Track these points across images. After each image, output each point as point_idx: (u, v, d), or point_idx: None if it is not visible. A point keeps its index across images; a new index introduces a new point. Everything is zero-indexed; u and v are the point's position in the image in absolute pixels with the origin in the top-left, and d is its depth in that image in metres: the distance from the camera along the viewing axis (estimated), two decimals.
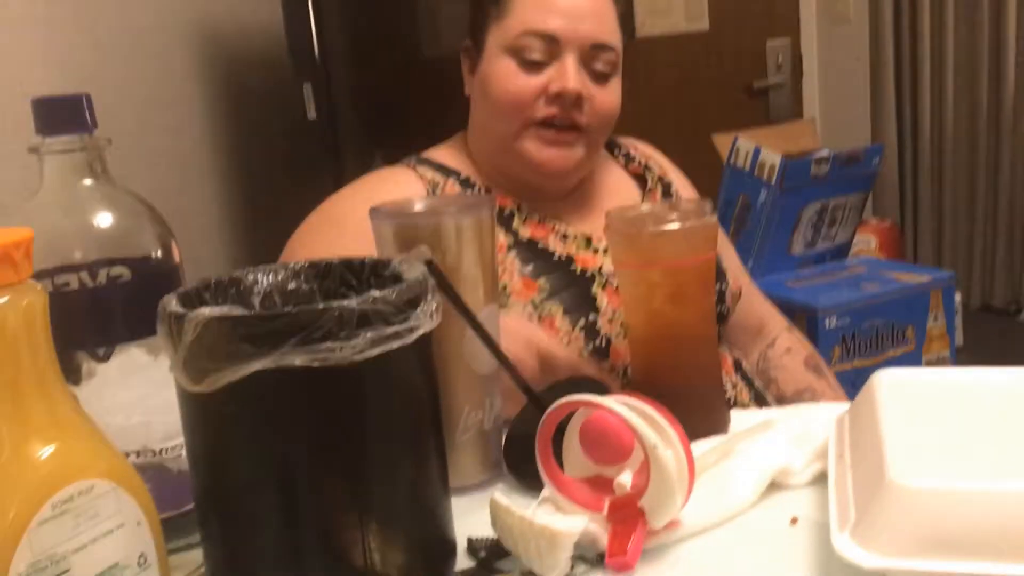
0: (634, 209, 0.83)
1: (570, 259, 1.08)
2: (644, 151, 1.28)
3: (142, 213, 0.67)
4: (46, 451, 0.49)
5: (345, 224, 1.05)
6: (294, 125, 1.81)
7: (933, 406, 0.65)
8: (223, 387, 0.54)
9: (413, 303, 0.57)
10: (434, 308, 0.59)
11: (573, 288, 1.05)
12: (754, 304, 1.28)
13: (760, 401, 1.14)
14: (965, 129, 3.51)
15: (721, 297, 1.15)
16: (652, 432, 0.60)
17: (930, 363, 1.89)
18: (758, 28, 3.64)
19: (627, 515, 0.62)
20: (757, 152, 2.01)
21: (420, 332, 0.57)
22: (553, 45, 1.06)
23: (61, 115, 0.63)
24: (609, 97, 1.10)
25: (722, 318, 1.16)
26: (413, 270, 0.61)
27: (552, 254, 1.08)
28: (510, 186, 1.12)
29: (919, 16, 3.48)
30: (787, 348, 1.24)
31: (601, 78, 1.09)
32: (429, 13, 2.58)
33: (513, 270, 1.05)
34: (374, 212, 0.74)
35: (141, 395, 0.65)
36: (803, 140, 2.42)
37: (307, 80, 1.76)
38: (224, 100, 1.97)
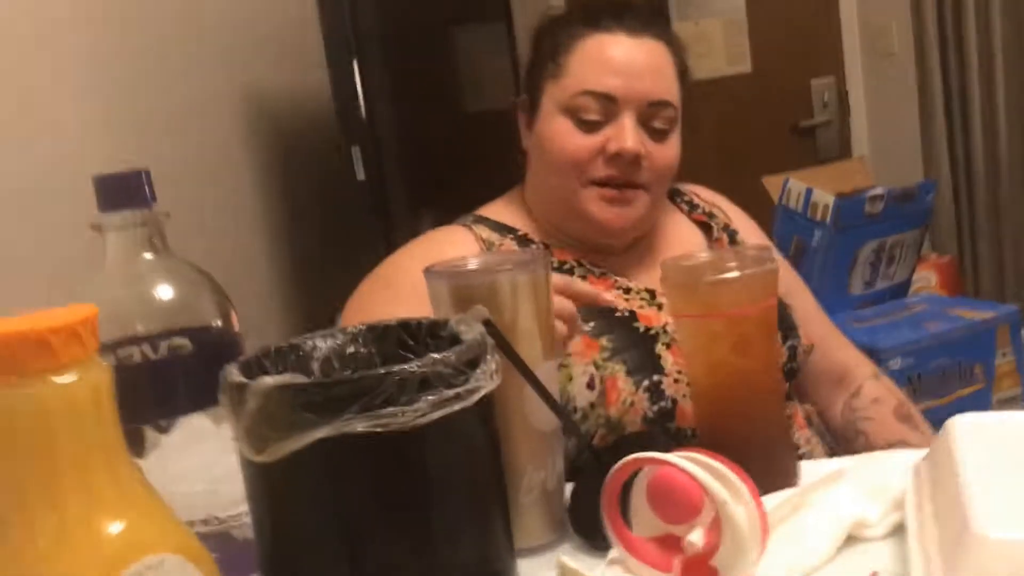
0: (691, 258, 0.82)
1: (633, 315, 1.05)
2: (708, 198, 1.26)
3: (201, 283, 0.68)
4: (115, 527, 0.49)
5: (400, 286, 1.05)
6: (344, 188, 1.84)
7: (1011, 452, 0.63)
8: (286, 456, 0.54)
9: (473, 364, 0.57)
10: (494, 368, 0.59)
11: (637, 348, 1.02)
12: (834, 350, 1.23)
13: (836, 456, 1.10)
14: (1019, 158, 3.45)
15: (792, 353, 1.11)
16: (722, 488, 0.59)
17: (1001, 401, 1.83)
18: (801, 67, 3.63)
19: (700, 574, 0.60)
20: (809, 193, 1.98)
21: (481, 393, 0.57)
22: (610, 105, 1.05)
23: (121, 191, 0.64)
24: (668, 152, 1.09)
25: (792, 374, 1.12)
26: (471, 330, 0.61)
27: (614, 310, 1.05)
28: (569, 242, 1.11)
29: (965, 46, 3.44)
30: (874, 398, 1.17)
31: (659, 134, 1.08)
32: (471, 69, 2.62)
33: None
34: (428, 272, 0.74)
35: (205, 463, 0.65)
36: (855, 178, 2.39)
37: (355, 142, 1.79)
38: (275, 165, 2.01)
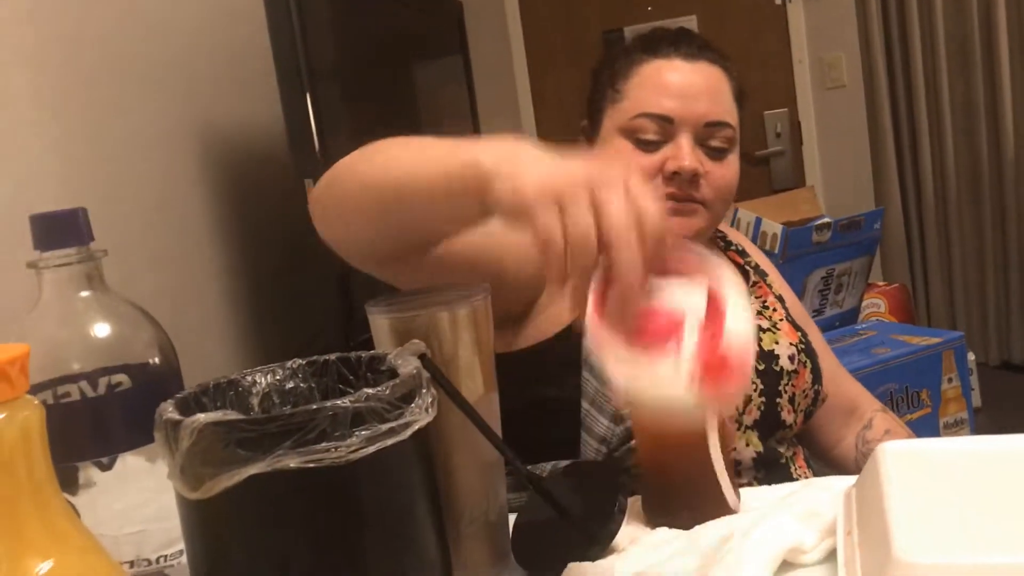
0: None
1: None
2: (736, 236, 1.28)
3: (139, 320, 0.68)
4: (43, 567, 0.49)
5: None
6: (297, 221, 1.84)
7: (938, 478, 0.64)
8: (220, 493, 0.54)
9: (407, 398, 0.57)
10: (429, 402, 0.59)
11: None
12: (843, 384, 1.25)
13: None
14: (968, 186, 3.53)
15: (815, 399, 1.13)
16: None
17: (948, 425, 1.87)
18: (755, 99, 3.70)
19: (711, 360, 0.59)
20: (758, 222, 2.02)
21: (416, 427, 0.57)
22: (667, 125, 1.07)
23: (57, 230, 0.65)
24: (726, 171, 1.11)
25: (809, 416, 1.13)
26: (407, 364, 0.62)
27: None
28: None
29: (913, 77, 3.53)
30: (886, 430, 1.20)
31: (718, 153, 1.10)
32: (427, 101, 2.64)
33: None
34: (369, 307, 0.74)
35: (136, 503, 0.65)
36: (804, 207, 2.43)
37: (308, 176, 1.79)
38: (227, 199, 2.00)
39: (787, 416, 1.08)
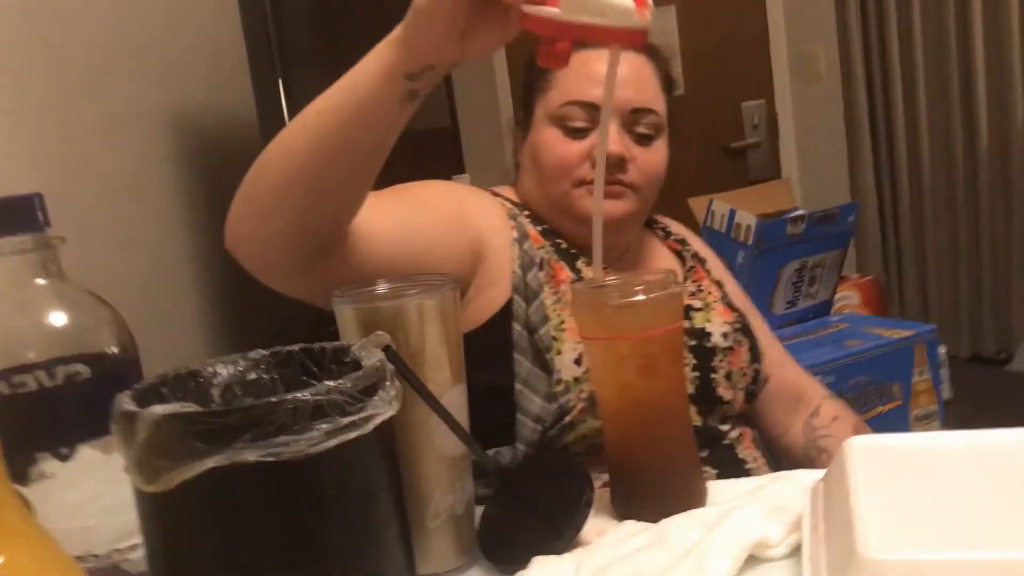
0: (599, 281, 0.83)
1: None
2: (677, 227, 1.32)
3: (96, 309, 0.67)
4: None
5: (461, 187, 1.10)
6: None
7: (905, 474, 0.64)
8: (177, 486, 0.53)
9: (370, 391, 0.57)
10: (393, 395, 0.59)
11: None
12: (789, 371, 1.27)
13: None
14: (943, 181, 3.56)
15: (756, 378, 1.15)
16: None
17: (918, 418, 1.88)
18: (732, 91, 3.70)
19: None
20: (732, 214, 2.02)
21: (378, 420, 0.56)
22: (595, 112, 1.11)
23: (12, 215, 0.63)
24: (653, 156, 1.15)
25: (752, 397, 1.15)
26: (371, 356, 0.61)
27: None
28: (567, 244, 1.15)
29: (890, 72, 3.54)
30: (834, 416, 1.21)
31: (644, 139, 1.14)
32: None
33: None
34: (336, 297, 0.73)
35: (90, 496, 0.63)
36: (779, 200, 2.44)
37: None
38: (197, 185, 1.98)
39: (724, 392, 1.10)
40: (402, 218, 0.97)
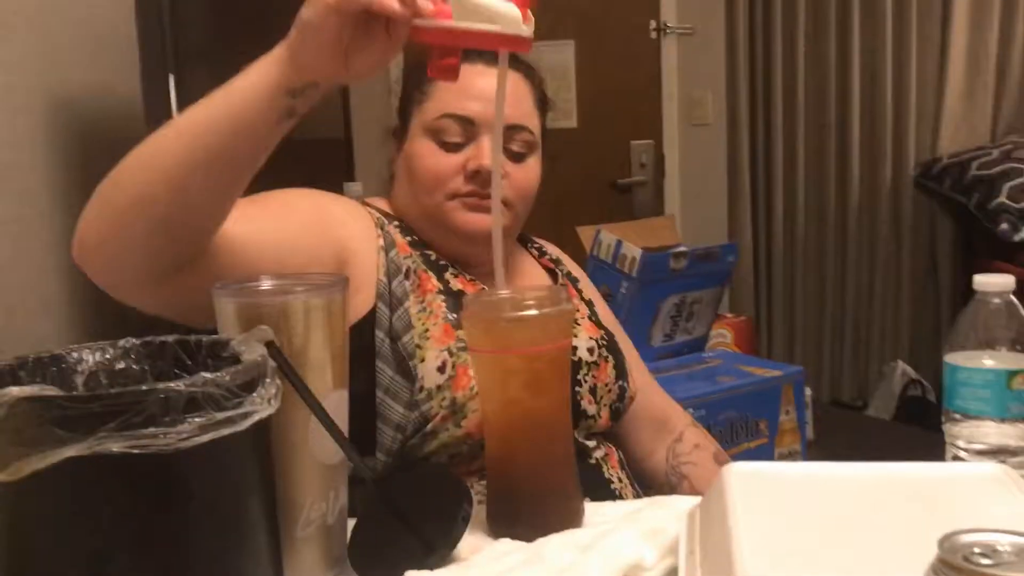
0: (491, 294, 0.82)
1: None
2: (552, 249, 1.33)
3: None
4: None
5: (318, 194, 1.08)
6: None
7: (782, 500, 0.65)
8: (29, 475, 0.49)
9: (249, 387, 0.54)
10: (273, 393, 0.56)
11: None
12: (654, 396, 1.28)
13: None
14: (815, 229, 3.72)
15: (621, 394, 1.16)
16: None
17: (782, 456, 1.94)
18: (623, 129, 3.78)
19: None
20: (619, 245, 2.05)
21: (255, 418, 0.54)
22: (470, 127, 1.11)
23: None
24: (525, 174, 1.15)
25: (617, 415, 1.16)
26: (252, 351, 0.58)
27: None
28: (440, 254, 1.14)
29: (772, 121, 3.69)
30: (695, 443, 1.23)
31: (517, 157, 1.14)
32: None
33: (438, 315, 1.05)
34: (216, 289, 0.70)
35: None
36: (663, 235, 2.49)
37: None
38: (74, 169, 1.88)
39: (588, 406, 1.11)
40: (265, 227, 0.95)
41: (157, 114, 1.71)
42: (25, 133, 1.75)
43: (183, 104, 1.71)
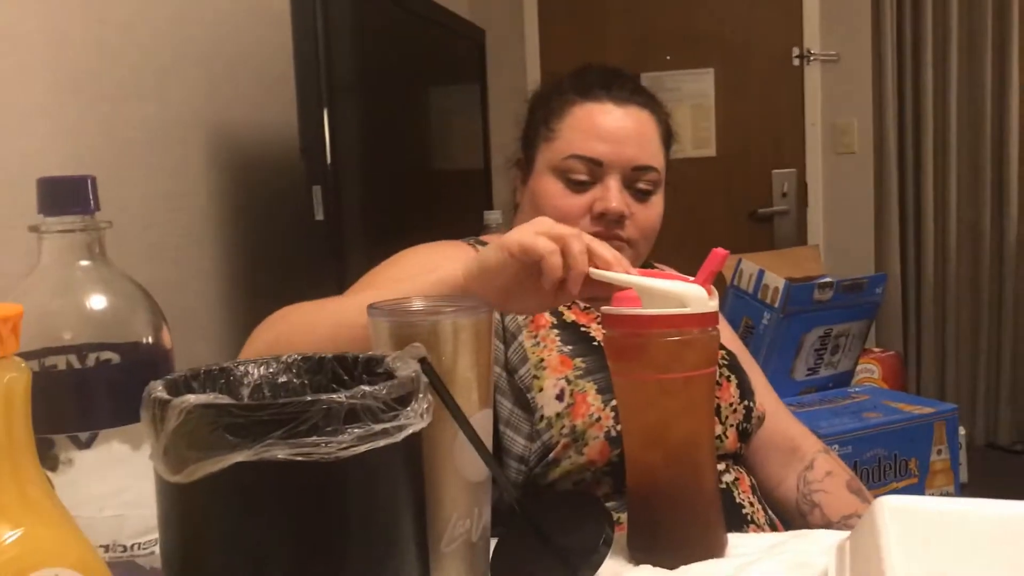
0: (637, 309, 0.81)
1: None
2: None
3: (136, 297, 0.66)
4: (12, 535, 0.47)
5: (406, 264, 1.11)
6: (301, 225, 1.83)
7: (937, 537, 0.63)
8: (202, 478, 0.52)
9: (403, 401, 0.56)
10: (425, 407, 0.58)
11: (608, 372, 1.05)
12: (784, 423, 1.26)
13: (774, 527, 1.11)
14: (968, 262, 3.55)
15: (748, 414, 1.14)
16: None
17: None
18: (764, 158, 3.72)
19: None
20: (761, 275, 2.01)
21: (409, 431, 0.56)
22: (597, 168, 1.13)
23: (63, 195, 0.63)
24: (651, 213, 1.17)
25: (746, 436, 1.14)
26: (406, 367, 0.60)
27: (593, 339, 1.10)
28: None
29: (923, 150, 3.55)
30: (827, 471, 1.20)
31: (643, 195, 1.16)
32: (441, 126, 2.64)
33: (552, 347, 1.07)
34: (371, 309, 0.73)
35: (117, 488, 0.63)
36: (807, 265, 2.43)
37: (317, 183, 1.79)
38: (233, 196, 1.99)
39: (715, 428, 1.09)
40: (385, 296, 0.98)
41: (312, 141, 1.79)
42: (189, 164, 1.86)
43: (335, 134, 1.80)
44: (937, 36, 3.49)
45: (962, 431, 2.04)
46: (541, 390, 1.03)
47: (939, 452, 1.86)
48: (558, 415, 1.02)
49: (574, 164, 1.13)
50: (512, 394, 1.04)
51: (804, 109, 3.68)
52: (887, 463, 1.82)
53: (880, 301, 2.13)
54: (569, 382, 1.03)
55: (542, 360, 1.05)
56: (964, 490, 2.02)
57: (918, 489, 1.84)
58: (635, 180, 1.15)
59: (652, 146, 1.17)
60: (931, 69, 3.50)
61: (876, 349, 2.48)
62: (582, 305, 1.15)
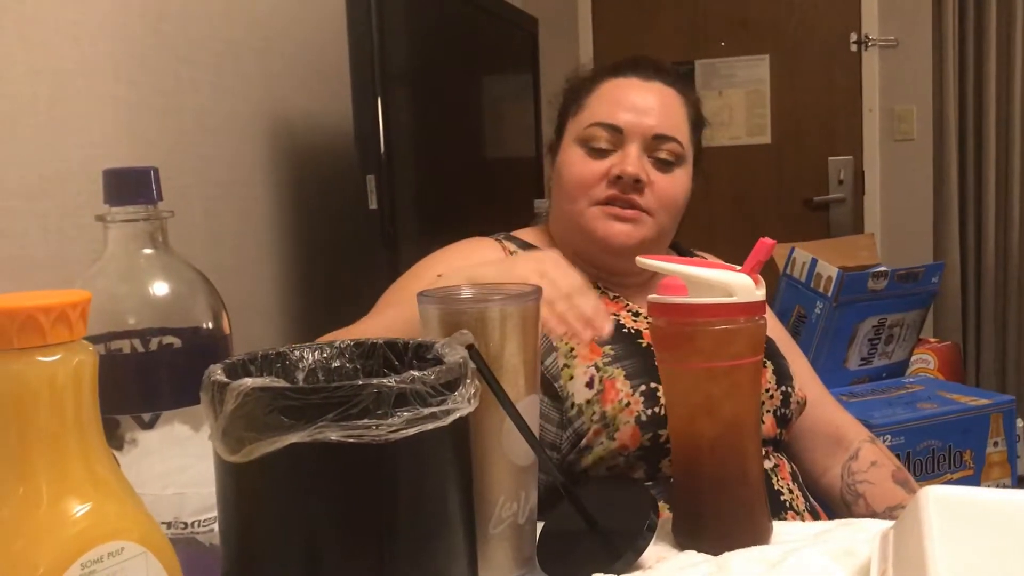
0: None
1: (639, 333, 1.12)
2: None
3: (197, 284, 0.69)
4: (81, 509, 0.50)
5: (423, 278, 1.12)
6: (355, 214, 1.86)
7: (983, 529, 0.63)
8: (258, 458, 0.54)
9: (451, 385, 0.58)
10: (472, 392, 0.59)
11: (638, 357, 1.08)
12: (829, 411, 1.25)
13: (814, 514, 1.11)
14: None
15: (786, 400, 1.14)
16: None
17: None
18: (820, 145, 3.67)
19: None
20: (814, 263, 1.99)
21: (457, 415, 0.57)
22: (617, 135, 1.15)
23: (129, 186, 0.66)
24: (671, 183, 1.17)
25: (784, 421, 1.14)
26: (454, 353, 0.62)
27: (623, 326, 1.12)
28: (587, 269, 1.16)
29: (984, 137, 3.48)
30: (872, 461, 1.20)
31: (664, 166, 1.16)
32: (494, 115, 2.66)
33: None
34: (420, 296, 0.75)
35: (178, 467, 0.65)
36: (861, 254, 2.40)
37: (371, 172, 1.82)
38: (289, 186, 2.03)
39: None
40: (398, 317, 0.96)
41: (366, 131, 1.82)
42: (247, 154, 1.90)
43: (389, 124, 1.83)
44: (1001, 21, 3.41)
45: (1020, 423, 2.00)
46: (571, 378, 1.05)
47: (996, 444, 1.83)
48: (588, 402, 1.03)
49: (596, 132, 1.15)
50: (541, 384, 1.05)
51: (862, 95, 3.62)
52: (941, 455, 1.80)
53: (936, 290, 2.09)
54: (598, 369, 1.05)
55: (572, 349, 1.06)
56: (1022, 483, 1.99)
57: (974, 481, 1.82)
58: (656, 149, 1.15)
59: (675, 119, 1.18)
60: (995, 55, 3.42)
61: (933, 339, 2.44)
62: (611, 295, 1.17)
